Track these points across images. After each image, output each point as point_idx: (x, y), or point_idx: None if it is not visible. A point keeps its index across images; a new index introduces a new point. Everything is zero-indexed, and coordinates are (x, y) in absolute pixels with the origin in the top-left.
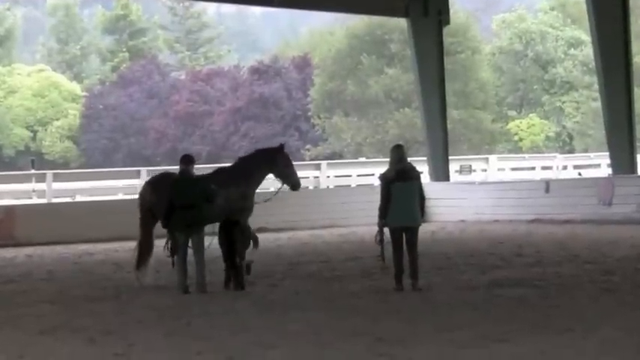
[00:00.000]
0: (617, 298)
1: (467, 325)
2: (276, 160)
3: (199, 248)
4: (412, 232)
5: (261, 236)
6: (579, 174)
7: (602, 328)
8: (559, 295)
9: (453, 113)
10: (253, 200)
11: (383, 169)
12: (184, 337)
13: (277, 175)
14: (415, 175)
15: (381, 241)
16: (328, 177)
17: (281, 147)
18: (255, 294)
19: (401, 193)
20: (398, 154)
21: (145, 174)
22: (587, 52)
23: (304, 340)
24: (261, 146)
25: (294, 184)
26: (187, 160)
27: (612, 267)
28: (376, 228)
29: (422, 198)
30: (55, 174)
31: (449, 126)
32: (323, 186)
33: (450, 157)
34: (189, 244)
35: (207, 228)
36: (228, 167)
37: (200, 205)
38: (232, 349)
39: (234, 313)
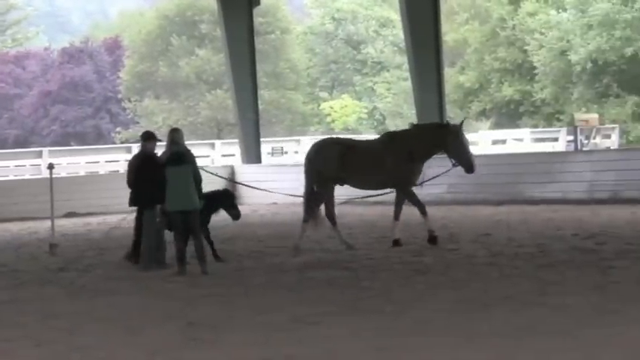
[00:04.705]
0: (427, 279)
1: (280, 308)
2: (448, 137)
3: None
4: (191, 215)
5: (70, 221)
6: None
7: (412, 309)
8: (370, 276)
9: (264, 94)
10: (411, 171)
11: (193, 151)
12: None
13: (449, 154)
14: (189, 159)
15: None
16: None
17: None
18: (65, 279)
19: (175, 177)
20: (171, 138)
21: None
22: (398, 31)
23: (115, 326)
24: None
25: (467, 166)
26: (147, 137)
27: (423, 248)
28: None
29: (197, 181)
30: None
31: (260, 107)
32: None
33: (261, 139)
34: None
35: None
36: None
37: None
38: (41, 336)
39: (44, 299)
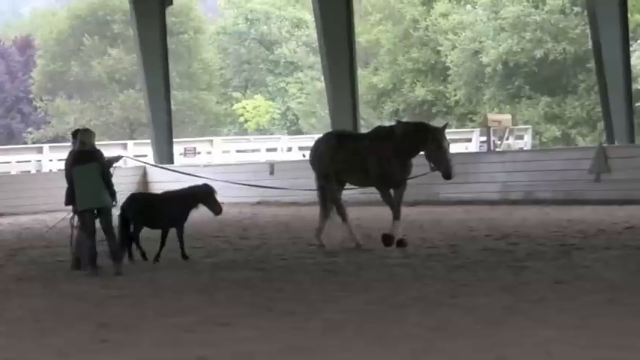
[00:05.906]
0: (340, 280)
1: (191, 309)
2: (428, 138)
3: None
4: (103, 213)
5: None
6: (304, 155)
7: (324, 311)
8: (283, 277)
9: (177, 95)
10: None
11: (106, 152)
12: None
13: (427, 157)
14: (97, 158)
15: (72, 226)
16: (51, 160)
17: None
18: None
19: (82, 176)
20: (80, 138)
21: None
22: (311, 32)
23: (25, 327)
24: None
25: (445, 171)
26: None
27: (336, 249)
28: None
29: (107, 180)
30: None
31: (173, 108)
32: (45, 170)
33: (174, 140)
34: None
35: None
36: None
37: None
38: None
39: None
